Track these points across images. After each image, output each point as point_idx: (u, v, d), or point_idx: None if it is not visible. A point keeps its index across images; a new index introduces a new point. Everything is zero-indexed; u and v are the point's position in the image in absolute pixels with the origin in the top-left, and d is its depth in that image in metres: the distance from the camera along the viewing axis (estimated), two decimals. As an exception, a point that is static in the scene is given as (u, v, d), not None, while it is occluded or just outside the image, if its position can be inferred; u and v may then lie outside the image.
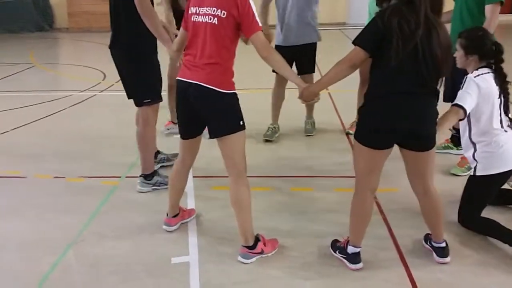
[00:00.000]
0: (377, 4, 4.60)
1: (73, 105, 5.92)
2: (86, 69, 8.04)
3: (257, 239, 2.74)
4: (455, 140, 4.12)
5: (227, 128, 2.57)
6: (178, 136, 2.82)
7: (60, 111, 5.67)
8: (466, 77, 2.90)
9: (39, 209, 3.39)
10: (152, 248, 2.87)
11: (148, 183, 3.59)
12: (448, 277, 2.56)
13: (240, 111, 2.61)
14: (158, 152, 3.95)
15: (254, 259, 2.71)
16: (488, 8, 3.56)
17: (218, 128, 2.59)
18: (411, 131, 2.41)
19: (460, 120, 2.85)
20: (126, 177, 3.83)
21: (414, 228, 2.97)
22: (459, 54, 2.99)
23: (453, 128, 4.03)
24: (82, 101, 6.10)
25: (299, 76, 4.24)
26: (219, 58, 2.52)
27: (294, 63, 4.41)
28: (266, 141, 4.61)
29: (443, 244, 2.69)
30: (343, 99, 5.65)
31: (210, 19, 2.49)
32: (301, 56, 4.41)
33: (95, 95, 6.36)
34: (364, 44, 2.38)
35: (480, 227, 2.92)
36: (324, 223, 3.13)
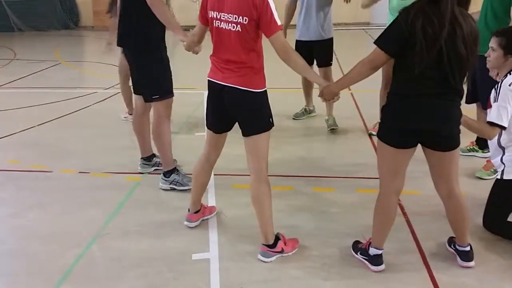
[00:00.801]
0: None
1: (98, 102, 6.01)
2: (111, 67, 8.12)
3: (277, 238, 2.74)
4: (480, 143, 4.04)
5: (259, 127, 2.59)
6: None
7: (85, 107, 5.77)
8: (500, 84, 2.80)
9: (64, 203, 3.46)
10: (173, 244, 2.90)
11: (166, 180, 3.61)
12: (472, 281, 2.52)
13: (270, 107, 2.63)
14: (153, 155, 3.89)
15: (274, 258, 2.71)
16: None
17: (251, 127, 2.60)
18: (434, 130, 2.37)
19: None
20: (149, 173, 3.88)
21: (437, 231, 2.93)
22: (496, 54, 2.85)
23: None
24: (107, 98, 6.20)
25: (319, 68, 4.60)
26: (249, 62, 2.53)
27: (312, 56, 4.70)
28: (294, 119, 5.14)
29: (468, 248, 2.64)
30: (365, 100, 5.59)
31: (234, 27, 2.48)
32: (317, 51, 4.69)
33: (119, 92, 6.43)
34: (385, 46, 2.34)
35: (506, 232, 2.86)
36: (345, 223, 3.11)
